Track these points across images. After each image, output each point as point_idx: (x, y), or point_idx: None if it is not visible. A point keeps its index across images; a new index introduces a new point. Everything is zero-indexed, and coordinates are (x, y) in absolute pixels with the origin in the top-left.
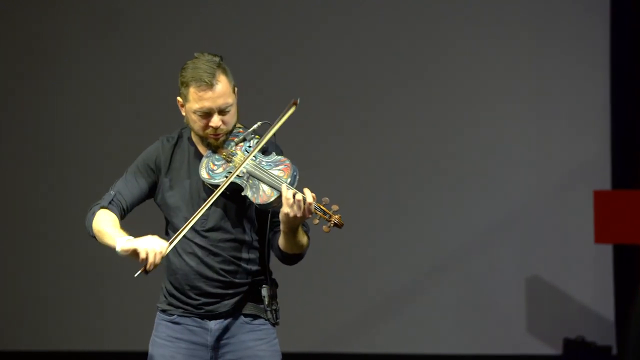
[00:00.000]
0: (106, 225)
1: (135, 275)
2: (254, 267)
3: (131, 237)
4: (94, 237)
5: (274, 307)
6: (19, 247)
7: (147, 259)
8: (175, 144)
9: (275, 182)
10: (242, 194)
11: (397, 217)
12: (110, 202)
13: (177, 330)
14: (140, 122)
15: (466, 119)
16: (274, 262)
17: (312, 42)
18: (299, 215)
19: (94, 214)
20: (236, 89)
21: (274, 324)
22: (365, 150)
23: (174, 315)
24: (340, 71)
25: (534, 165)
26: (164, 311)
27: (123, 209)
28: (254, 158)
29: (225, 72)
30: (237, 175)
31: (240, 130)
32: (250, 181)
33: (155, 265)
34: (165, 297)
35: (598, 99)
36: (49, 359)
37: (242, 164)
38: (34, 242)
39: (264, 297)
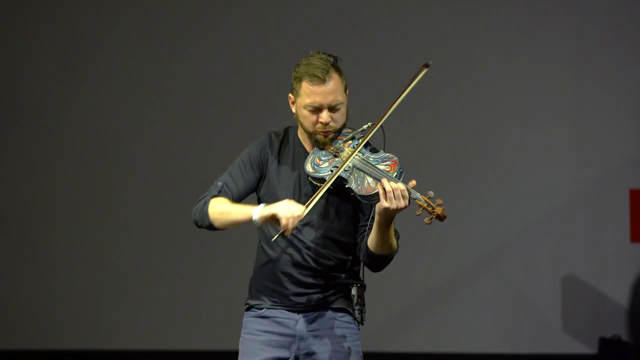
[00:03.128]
0: (228, 205)
1: (272, 240)
2: (346, 266)
3: (263, 205)
4: (210, 225)
5: (362, 308)
6: (20, 247)
7: (287, 224)
8: (282, 140)
9: (380, 176)
10: (347, 186)
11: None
12: (219, 193)
13: (265, 323)
14: (153, 125)
15: (505, 119)
16: None
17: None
18: (400, 205)
19: (206, 204)
20: (347, 90)
21: (360, 324)
22: (406, 150)
23: (262, 309)
24: (375, 72)
25: (571, 165)
26: (251, 307)
27: (231, 199)
28: (361, 153)
29: (338, 71)
30: (344, 170)
31: (349, 130)
32: (356, 174)
33: (293, 229)
34: (253, 292)
35: (635, 98)
36: (51, 359)
37: (350, 157)
38: (35, 242)
39: (353, 295)
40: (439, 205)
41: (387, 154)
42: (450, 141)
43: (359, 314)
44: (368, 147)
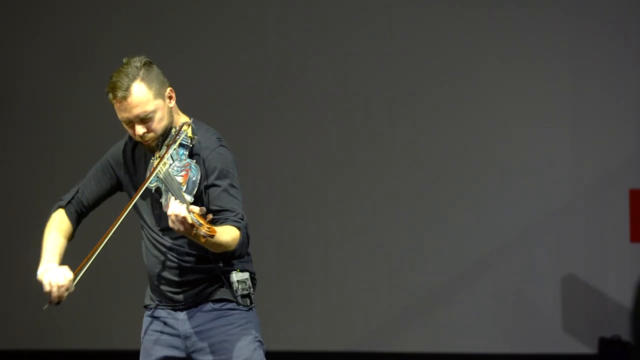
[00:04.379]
0: (48, 239)
1: (44, 309)
2: (213, 258)
3: (48, 266)
4: None
5: (244, 292)
6: (20, 247)
7: (52, 292)
8: (136, 143)
9: (176, 191)
10: (160, 200)
11: (434, 217)
12: (69, 202)
13: (155, 323)
14: None
15: (504, 119)
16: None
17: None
18: (181, 230)
19: (49, 215)
20: (169, 89)
21: (248, 308)
22: (406, 151)
23: (152, 309)
24: (379, 72)
25: (571, 165)
26: (145, 307)
27: (84, 206)
28: (170, 163)
29: (145, 79)
30: (160, 181)
31: (173, 130)
32: (165, 187)
33: (60, 298)
34: (147, 292)
35: (634, 98)
36: (51, 359)
37: (153, 171)
38: (35, 242)
39: (232, 282)
40: (210, 222)
41: (186, 161)
42: (450, 141)
43: (242, 298)
44: (184, 151)
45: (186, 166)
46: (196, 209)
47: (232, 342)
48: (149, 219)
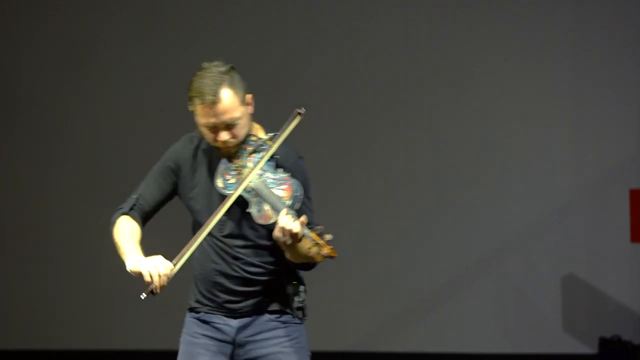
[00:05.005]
0: (122, 237)
1: (142, 297)
2: (277, 267)
3: (140, 257)
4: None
5: (300, 305)
6: (20, 247)
7: (152, 281)
8: (198, 146)
9: (276, 204)
10: (247, 210)
11: (435, 217)
12: (131, 208)
13: (204, 327)
14: (150, 125)
15: (504, 119)
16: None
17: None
18: (288, 241)
19: (114, 223)
20: (249, 96)
21: (301, 321)
22: (406, 151)
23: (200, 312)
24: (378, 72)
25: (571, 165)
26: (192, 309)
27: (146, 212)
28: (260, 174)
29: (231, 85)
30: (245, 190)
31: (254, 139)
32: (255, 198)
33: (162, 287)
34: (194, 294)
35: (635, 98)
36: (51, 359)
37: (246, 179)
38: (35, 242)
39: (289, 294)
40: (329, 242)
41: (284, 175)
42: (450, 141)
43: (297, 311)
44: (270, 162)
45: (285, 180)
46: (315, 227)
47: (286, 355)
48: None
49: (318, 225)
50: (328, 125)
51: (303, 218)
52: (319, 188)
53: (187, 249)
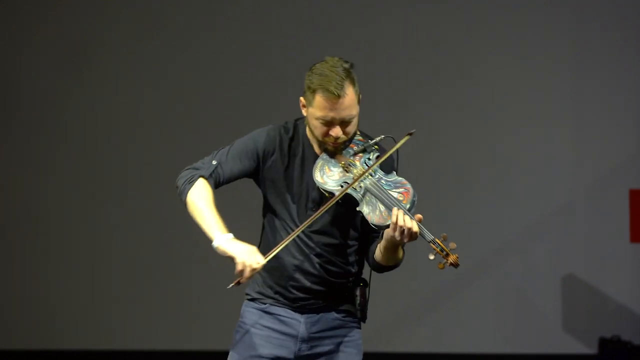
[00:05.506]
0: (205, 204)
1: (228, 287)
2: (353, 269)
3: (232, 238)
4: (183, 202)
5: (365, 307)
6: (20, 247)
7: (242, 272)
8: (292, 138)
9: (393, 206)
10: (357, 209)
11: (434, 217)
12: (210, 175)
13: (267, 319)
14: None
15: (504, 119)
16: None
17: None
18: (405, 240)
19: (192, 183)
20: (361, 96)
21: (362, 323)
22: (405, 151)
23: (265, 304)
24: (378, 72)
25: (571, 165)
26: (253, 299)
27: (219, 182)
28: (372, 174)
29: (353, 83)
30: (353, 188)
31: (361, 138)
32: (367, 197)
33: (248, 280)
34: (257, 285)
35: (635, 98)
36: (51, 359)
37: (359, 178)
38: (35, 242)
39: (356, 296)
40: (453, 250)
41: (400, 179)
42: (450, 141)
43: (361, 313)
44: (380, 166)
45: (403, 183)
46: (442, 235)
47: (347, 355)
48: (297, 217)
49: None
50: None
51: (420, 216)
52: None
53: (281, 245)
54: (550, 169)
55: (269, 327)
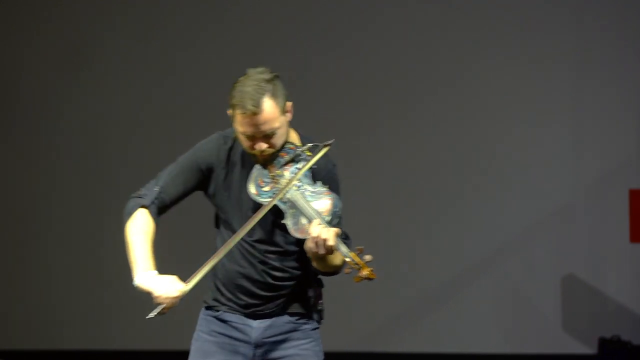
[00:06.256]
0: (137, 239)
1: (148, 317)
2: (300, 273)
3: (152, 274)
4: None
5: (319, 308)
6: (20, 247)
7: (162, 304)
8: (232, 147)
9: (314, 218)
10: (282, 221)
11: (434, 217)
12: (152, 202)
13: (221, 326)
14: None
15: (505, 119)
16: None
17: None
18: (321, 252)
19: (130, 215)
20: (289, 104)
21: (319, 324)
22: (405, 151)
23: (219, 311)
24: (378, 72)
25: (571, 165)
26: (209, 307)
27: (165, 206)
28: (298, 185)
29: (273, 95)
30: (281, 201)
31: (292, 147)
32: (292, 210)
33: (172, 307)
34: (212, 292)
35: (635, 98)
36: (51, 359)
37: (282, 191)
38: (35, 242)
39: (310, 297)
40: (368, 263)
41: (324, 189)
42: (450, 141)
43: (316, 314)
44: (307, 173)
45: (325, 194)
46: (357, 248)
47: (304, 357)
48: (239, 227)
49: (348, 237)
50: (326, 125)
51: (337, 230)
52: None
53: (204, 268)
54: (550, 169)
55: (222, 334)
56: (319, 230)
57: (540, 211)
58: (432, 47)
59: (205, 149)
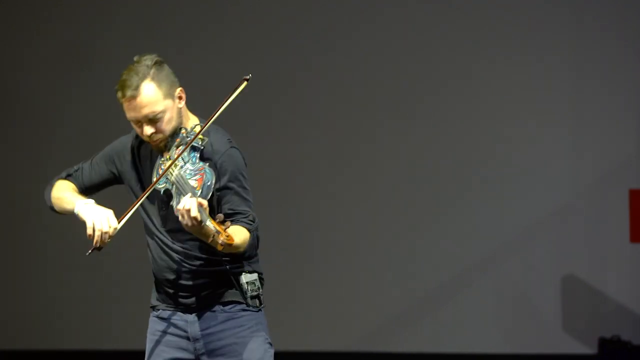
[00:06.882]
0: (65, 191)
1: (87, 254)
2: (222, 260)
3: (91, 202)
4: (52, 208)
5: (253, 293)
6: (20, 247)
7: (94, 237)
8: (142, 140)
9: (189, 193)
10: (170, 203)
11: (435, 217)
12: (69, 175)
13: (162, 324)
14: None
15: (504, 119)
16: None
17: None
18: (189, 224)
19: (51, 185)
20: (179, 89)
21: (257, 309)
22: (406, 151)
23: (159, 310)
24: (378, 72)
25: (571, 165)
26: (153, 307)
27: (80, 184)
28: (181, 165)
29: (155, 79)
30: (169, 183)
31: (183, 132)
32: (176, 190)
33: (102, 244)
34: (153, 293)
35: (635, 98)
36: (51, 359)
37: (166, 170)
38: (35, 242)
39: (241, 284)
40: (226, 229)
41: (200, 165)
42: (450, 141)
43: (252, 300)
44: (194, 153)
45: (200, 170)
46: (218, 216)
47: (243, 345)
48: (156, 220)
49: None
50: (327, 125)
51: (201, 201)
52: (318, 188)
53: (130, 210)
54: (550, 168)
55: (165, 332)
56: (183, 201)
57: (540, 211)
58: (432, 47)
59: (119, 141)
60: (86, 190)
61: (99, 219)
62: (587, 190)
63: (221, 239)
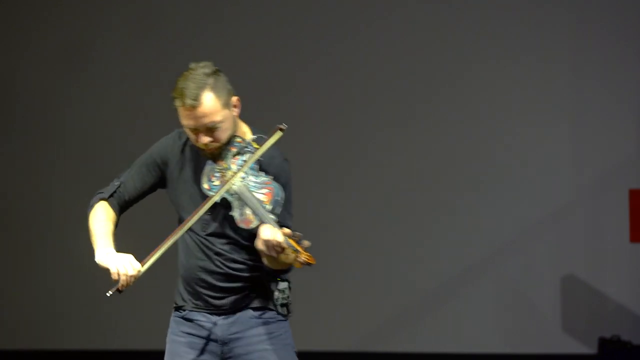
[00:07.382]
0: (97, 225)
1: (108, 295)
2: (259, 266)
3: (110, 251)
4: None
5: (284, 301)
6: (20, 247)
7: (119, 280)
8: (186, 142)
9: (258, 209)
10: (230, 213)
11: (435, 217)
12: (111, 195)
13: (188, 325)
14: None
15: (504, 119)
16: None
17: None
18: (271, 254)
19: (92, 207)
20: (235, 98)
21: (285, 318)
22: (406, 151)
23: (185, 310)
24: (377, 73)
25: (570, 165)
26: (177, 308)
27: (125, 201)
28: (243, 177)
29: (214, 88)
30: (229, 193)
31: (239, 140)
32: (238, 202)
33: (128, 286)
34: (179, 293)
35: (635, 98)
36: (51, 359)
37: (228, 183)
38: (35, 242)
39: (272, 290)
40: (307, 249)
41: (266, 178)
42: (450, 141)
43: (281, 307)
44: (254, 165)
45: (267, 184)
46: (294, 234)
47: (272, 352)
48: (196, 222)
49: (295, 231)
50: (327, 126)
51: (287, 231)
52: (318, 189)
53: (157, 250)
54: (550, 169)
55: (190, 334)
56: (268, 232)
57: (541, 211)
58: (432, 47)
59: (161, 144)
60: (134, 202)
61: (122, 264)
62: (587, 190)
63: (302, 258)
